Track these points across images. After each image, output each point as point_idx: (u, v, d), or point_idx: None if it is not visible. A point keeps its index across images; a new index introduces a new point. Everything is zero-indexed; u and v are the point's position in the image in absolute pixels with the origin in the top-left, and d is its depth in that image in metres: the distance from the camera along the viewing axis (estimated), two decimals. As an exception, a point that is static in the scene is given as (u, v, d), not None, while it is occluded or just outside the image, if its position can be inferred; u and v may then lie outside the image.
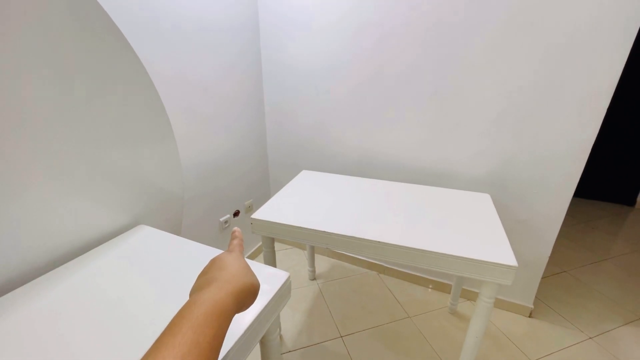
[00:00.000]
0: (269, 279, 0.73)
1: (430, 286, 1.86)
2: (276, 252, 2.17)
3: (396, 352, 1.46)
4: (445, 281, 1.81)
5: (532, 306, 1.66)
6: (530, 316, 1.67)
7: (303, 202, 1.29)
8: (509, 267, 0.92)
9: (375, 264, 1.99)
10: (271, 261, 1.29)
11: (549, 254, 1.53)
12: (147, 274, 0.74)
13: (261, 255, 2.12)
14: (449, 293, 1.81)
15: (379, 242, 1.03)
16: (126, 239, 0.89)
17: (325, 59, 1.66)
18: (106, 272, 0.75)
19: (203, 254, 0.82)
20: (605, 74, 1.20)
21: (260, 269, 0.77)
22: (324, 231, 1.09)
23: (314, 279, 1.93)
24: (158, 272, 0.75)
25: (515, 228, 1.54)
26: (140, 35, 1.14)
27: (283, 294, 0.73)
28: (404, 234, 1.06)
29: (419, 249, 0.99)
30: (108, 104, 0.83)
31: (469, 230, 1.09)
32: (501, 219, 1.55)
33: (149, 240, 0.89)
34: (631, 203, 2.91)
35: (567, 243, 2.35)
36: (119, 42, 0.82)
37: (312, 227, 1.10)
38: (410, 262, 1.02)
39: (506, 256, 0.94)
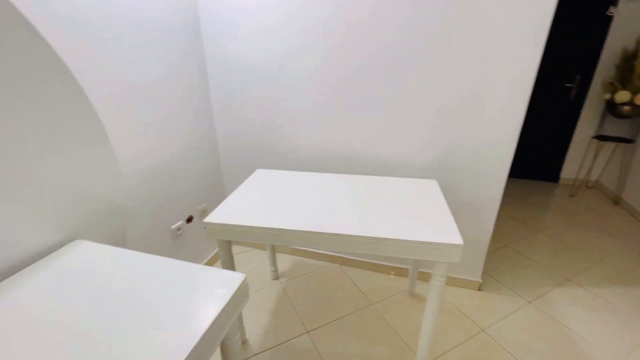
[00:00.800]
0: (225, 283, 0.70)
1: (392, 273, 1.93)
2: (236, 255, 2.12)
3: (361, 340, 1.50)
4: (404, 266, 1.90)
5: (481, 280, 1.81)
6: (479, 289, 1.82)
7: (259, 201, 1.27)
8: (456, 246, 0.98)
9: (337, 257, 2.02)
10: (229, 265, 1.25)
11: (491, 231, 1.67)
12: (86, 293, 0.68)
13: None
14: (407, 277, 1.90)
15: (337, 234, 1.05)
16: (59, 257, 0.80)
17: (274, 58, 1.63)
18: (36, 296, 0.67)
19: (151, 265, 0.77)
20: (526, 63, 1.33)
21: (215, 274, 0.74)
22: (282, 228, 1.08)
23: (277, 278, 1.91)
24: (98, 289, 0.69)
25: (460, 210, 1.66)
26: (62, 31, 1.02)
27: (240, 296, 0.71)
28: (361, 224, 1.09)
29: (375, 237, 1.02)
30: (24, 106, 0.73)
31: (420, 215, 1.14)
32: (448, 202, 1.66)
33: (86, 255, 0.81)
34: (556, 180, 3.28)
35: (506, 220, 2.59)
36: (29, 36, 0.73)
37: (269, 226, 1.08)
38: (368, 251, 1.05)
39: (453, 236, 1.01)
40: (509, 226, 2.50)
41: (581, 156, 3.10)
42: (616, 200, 2.84)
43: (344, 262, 2.02)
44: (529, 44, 1.30)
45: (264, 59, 1.66)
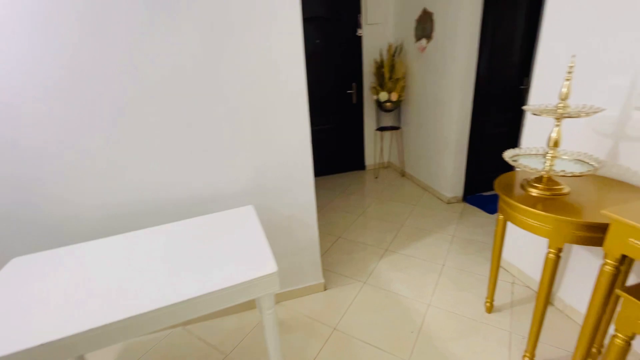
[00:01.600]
0: None
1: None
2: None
3: (221, 405, 1.31)
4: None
5: (323, 280, 1.93)
6: (325, 289, 1.93)
7: (13, 310, 0.88)
8: (270, 275, 0.95)
9: (177, 318, 1.73)
10: None
11: (317, 234, 1.80)
12: None
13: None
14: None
15: (134, 317, 0.83)
16: None
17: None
18: None
19: None
20: (300, 81, 1.48)
21: None
22: (52, 341, 0.77)
23: (98, 383, 1.45)
24: None
25: (284, 225, 1.71)
26: None
27: None
28: (165, 291, 0.91)
29: (183, 302, 0.87)
30: None
31: (232, 254, 1.07)
32: (268, 222, 1.67)
33: None
34: (363, 167, 3.97)
35: (335, 213, 2.92)
36: None
37: (30, 346, 0.75)
38: (180, 320, 0.89)
39: (267, 266, 0.98)
40: (339, 217, 2.82)
41: (373, 145, 3.86)
42: (403, 174, 3.68)
43: (186, 322, 1.75)
44: (295, 68, 1.45)
45: (-15, 109, 1.20)
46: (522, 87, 2.80)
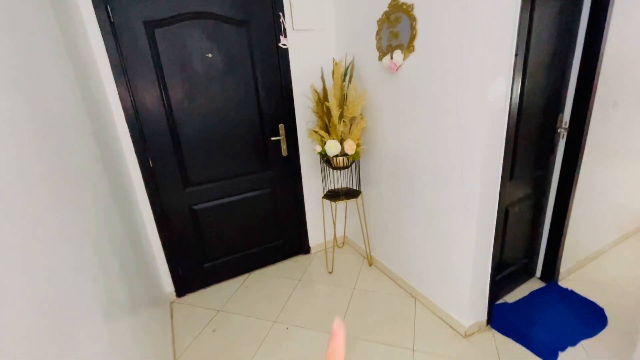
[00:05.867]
0: None
1: None
2: None
3: None
4: None
5: None
6: None
7: None
8: None
9: None
10: None
11: None
12: None
13: None
14: None
15: None
16: None
17: None
18: None
19: None
20: None
21: None
22: None
23: None
24: None
25: None
26: None
27: None
28: None
29: None
30: None
31: None
32: None
33: None
34: (307, 251, 2.53)
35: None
36: None
37: None
38: None
39: None
40: None
41: (320, 220, 2.45)
42: (370, 261, 2.33)
43: None
44: None
45: None
46: (558, 129, 1.72)
